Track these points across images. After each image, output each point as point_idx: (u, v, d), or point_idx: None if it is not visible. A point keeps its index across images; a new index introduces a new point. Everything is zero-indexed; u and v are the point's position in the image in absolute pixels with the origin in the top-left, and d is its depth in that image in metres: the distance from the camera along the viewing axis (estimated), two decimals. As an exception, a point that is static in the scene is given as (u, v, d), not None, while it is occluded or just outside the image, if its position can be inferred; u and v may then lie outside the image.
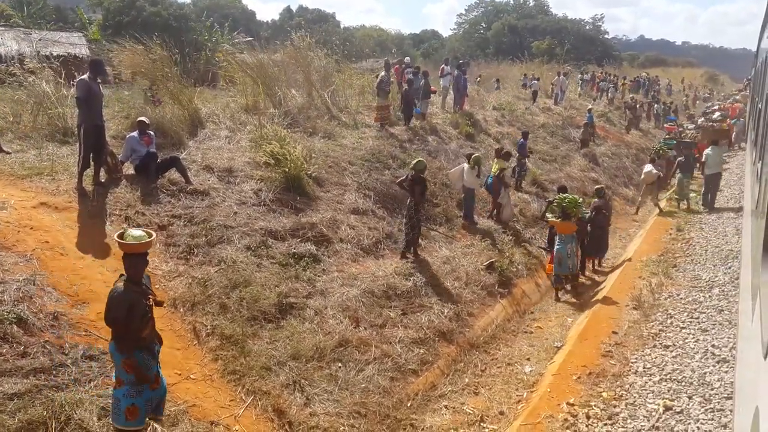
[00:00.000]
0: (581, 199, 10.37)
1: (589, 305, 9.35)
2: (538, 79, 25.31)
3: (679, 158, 15.14)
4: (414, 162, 9.75)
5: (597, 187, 12.25)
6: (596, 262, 11.80)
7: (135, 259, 4.23)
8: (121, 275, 4.27)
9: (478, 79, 27.14)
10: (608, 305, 8.74)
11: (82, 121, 7.82)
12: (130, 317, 4.11)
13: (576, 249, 10.11)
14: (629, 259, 11.01)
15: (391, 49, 49.36)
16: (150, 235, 4.33)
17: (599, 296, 9.45)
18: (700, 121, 24.18)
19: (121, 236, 4.26)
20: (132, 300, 4.13)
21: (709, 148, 14.58)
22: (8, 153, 8.75)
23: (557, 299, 10.22)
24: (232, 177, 9.58)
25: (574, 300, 10.09)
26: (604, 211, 11.27)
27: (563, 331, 8.69)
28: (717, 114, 23.35)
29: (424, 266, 9.22)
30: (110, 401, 4.39)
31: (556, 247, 9.97)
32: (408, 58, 16.76)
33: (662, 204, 15.20)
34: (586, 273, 11.36)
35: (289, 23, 62.94)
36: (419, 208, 9.60)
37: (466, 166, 11.60)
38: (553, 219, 10.04)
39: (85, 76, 7.79)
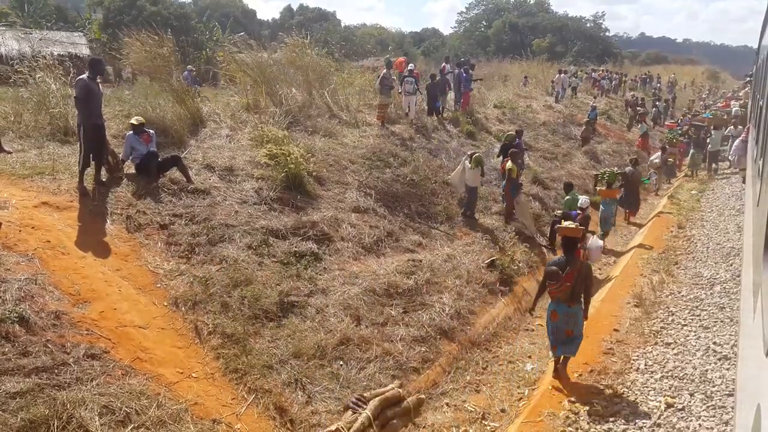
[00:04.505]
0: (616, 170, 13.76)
1: (590, 302, 9.34)
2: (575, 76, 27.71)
3: (693, 136, 20.12)
4: (506, 134, 13.62)
5: (631, 158, 15.74)
6: (630, 215, 14.87)
7: (570, 240, 6.38)
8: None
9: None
10: (609, 303, 8.74)
11: (81, 121, 7.82)
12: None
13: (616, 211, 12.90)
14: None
15: (389, 47, 49.33)
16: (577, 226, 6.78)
17: (601, 294, 9.44)
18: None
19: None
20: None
21: (712, 131, 19.03)
22: (9, 152, 8.74)
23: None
24: (233, 176, 9.58)
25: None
26: (633, 176, 13.98)
27: (565, 328, 8.68)
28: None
29: (425, 264, 9.21)
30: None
31: (602, 209, 12.28)
32: (412, 65, 16.09)
33: (680, 176, 19.85)
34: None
35: (289, 22, 62.92)
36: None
37: (467, 164, 11.65)
38: (601, 188, 12.49)
39: (84, 76, 7.79)
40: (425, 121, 15.45)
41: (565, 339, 6.39)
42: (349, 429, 2.27)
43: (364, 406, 2.37)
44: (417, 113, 15.33)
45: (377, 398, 2.41)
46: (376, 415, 2.36)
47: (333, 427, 2.41)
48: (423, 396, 2.57)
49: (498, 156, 13.48)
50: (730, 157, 18.03)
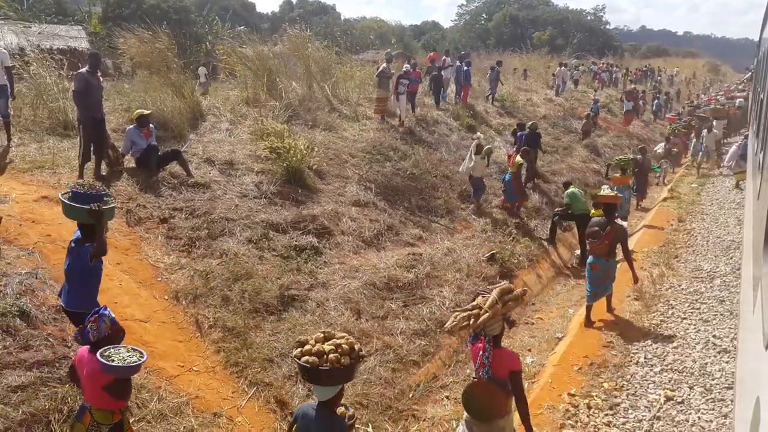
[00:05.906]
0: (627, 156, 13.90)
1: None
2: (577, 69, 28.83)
3: (699, 128, 20.75)
4: (530, 123, 14.78)
5: (640, 147, 16.25)
6: (639, 201, 15.25)
7: (610, 206, 7.66)
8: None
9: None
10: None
11: (81, 115, 7.81)
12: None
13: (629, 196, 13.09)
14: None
15: (390, 40, 49.10)
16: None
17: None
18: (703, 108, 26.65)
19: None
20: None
21: (714, 122, 20.42)
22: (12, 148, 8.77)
23: None
24: (233, 170, 9.57)
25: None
26: (643, 164, 14.52)
27: (564, 321, 8.69)
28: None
29: (426, 258, 9.22)
30: None
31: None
32: (407, 65, 15.16)
33: (684, 166, 20.82)
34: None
35: (289, 15, 62.66)
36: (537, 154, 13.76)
37: (473, 155, 11.68)
38: (616, 176, 12.56)
39: (83, 70, 7.77)
40: (425, 114, 15.40)
41: (601, 284, 7.64)
42: (485, 304, 3.77)
43: (490, 293, 3.85)
44: (410, 111, 14.85)
45: (498, 288, 3.91)
46: (499, 296, 3.82)
47: (475, 303, 3.86)
48: (525, 289, 3.82)
49: (523, 146, 13.71)
50: (726, 163, 17.95)
